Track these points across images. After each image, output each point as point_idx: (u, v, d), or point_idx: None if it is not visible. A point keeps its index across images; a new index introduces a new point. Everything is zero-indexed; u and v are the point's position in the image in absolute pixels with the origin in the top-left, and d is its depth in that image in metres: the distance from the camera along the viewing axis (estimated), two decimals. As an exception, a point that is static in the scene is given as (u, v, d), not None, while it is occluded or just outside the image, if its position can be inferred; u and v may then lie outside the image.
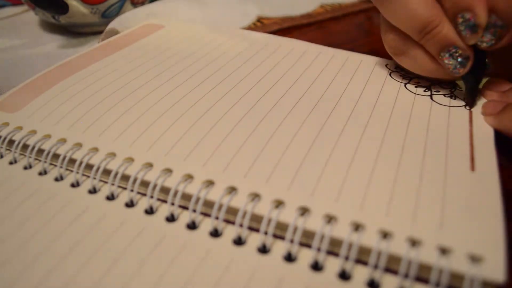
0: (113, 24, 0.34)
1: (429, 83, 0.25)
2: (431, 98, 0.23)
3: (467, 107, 0.23)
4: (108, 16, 0.38)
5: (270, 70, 0.26)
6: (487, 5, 0.20)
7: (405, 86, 0.25)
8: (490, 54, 0.22)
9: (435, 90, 0.24)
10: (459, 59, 0.21)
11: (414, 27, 0.22)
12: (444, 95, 0.24)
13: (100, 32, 0.36)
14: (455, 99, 0.23)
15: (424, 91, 0.24)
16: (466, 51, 0.21)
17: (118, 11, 0.39)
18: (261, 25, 0.38)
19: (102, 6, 0.37)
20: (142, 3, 0.41)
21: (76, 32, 0.40)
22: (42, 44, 0.38)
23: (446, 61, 0.22)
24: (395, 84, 0.25)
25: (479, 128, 0.21)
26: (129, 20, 0.35)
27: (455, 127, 0.21)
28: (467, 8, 0.20)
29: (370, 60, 0.28)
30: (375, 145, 0.19)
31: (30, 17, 0.44)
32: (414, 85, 0.25)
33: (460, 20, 0.20)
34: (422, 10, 0.21)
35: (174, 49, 0.29)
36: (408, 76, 0.26)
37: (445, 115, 0.22)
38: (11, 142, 0.20)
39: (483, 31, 0.20)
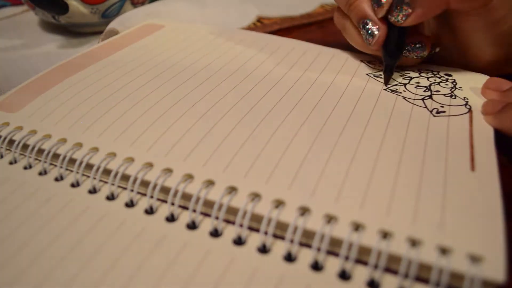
0: (113, 24, 0.34)
1: (429, 83, 0.25)
2: (431, 98, 0.23)
3: (384, 83, 0.25)
4: (108, 16, 0.38)
5: (270, 71, 0.26)
6: None
7: (405, 86, 0.25)
8: (437, 39, 0.26)
9: (435, 90, 0.24)
10: (369, 31, 0.24)
11: (342, 1, 0.25)
12: (444, 95, 0.24)
13: (100, 32, 0.36)
14: (455, 98, 0.23)
15: (424, 91, 0.24)
16: (376, 23, 0.24)
17: (118, 11, 0.39)
18: (261, 25, 0.38)
19: (102, 6, 0.37)
20: (142, 3, 0.41)
21: (76, 32, 0.40)
22: (42, 44, 0.38)
23: (361, 32, 0.25)
24: (396, 85, 0.25)
25: (479, 128, 0.21)
26: (129, 20, 0.35)
27: (455, 127, 0.21)
28: None
29: (370, 60, 0.28)
30: (375, 145, 0.19)
31: (30, 17, 0.44)
32: (414, 86, 0.25)
33: None
34: None
35: (174, 49, 0.29)
36: (408, 76, 0.26)
37: (445, 115, 0.22)
38: (11, 142, 0.20)
39: (390, 6, 0.23)
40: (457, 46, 0.26)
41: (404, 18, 0.23)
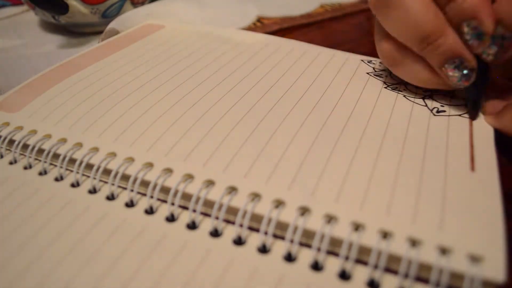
0: (113, 24, 0.34)
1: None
2: (431, 98, 0.23)
3: (470, 118, 0.22)
4: (108, 16, 0.38)
5: (270, 70, 0.26)
6: (494, 16, 0.19)
7: (405, 85, 0.25)
8: (494, 67, 0.22)
9: (435, 89, 0.24)
10: (465, 71, 0.20)
11: (415, 37, 0.20)
12: (444, 94, 0.24)
13: (100, 32, 0.36)
14: (455, 98, 0.23)
15: (424, 90, 0.24)
16: (472, 62, 0.20)
17: (118, 11, 0.39)
18: (261, 25, 0.38)
19: (102, 6, 0.37)
20: (142, 3, 0.41)
21: (76, 32, 0.40)
22: (42, 44, 0.38)
23: (450, 73, 0.20)
24: (396, 83, 0.25)
25: (479, 128, 0.21)
26: (129, 20, 0.35)
27: (455, 127, 0.21)
28: (473, 16, 0.19)
29: (370, 60, 0.28)
30: (375, 144, 0.19)
31: (30, 17, 0.44)
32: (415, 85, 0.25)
33: (466, 29, 0.19)
34: (424, 19, 0.20)
35: (174, 49, 0.29)
36: (408, 76, 0.26)
37: (445, 114, 0.22)
38: (11, 142, 0.20)
39: (488, 42, 0.19)
40: None
41: (503, 53, 0.20)
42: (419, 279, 0.14)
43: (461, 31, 0.20)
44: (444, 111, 0.22)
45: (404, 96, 0.24)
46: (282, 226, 0.16)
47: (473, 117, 0.22)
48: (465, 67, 0.20)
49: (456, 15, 0.19)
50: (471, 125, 0.21)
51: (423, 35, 0.20)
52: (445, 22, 0.20)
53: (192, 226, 0.16)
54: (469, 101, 0.22)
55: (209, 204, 0.17)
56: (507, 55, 0.20)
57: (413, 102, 0.23)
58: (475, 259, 0.14)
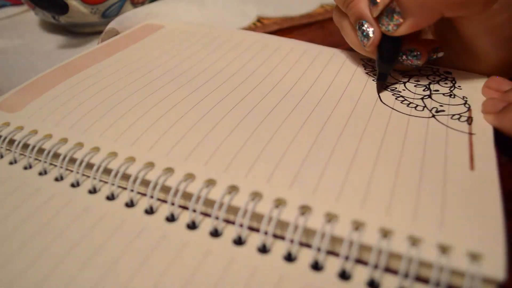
0: (113, 24, 0.34)
1: (428, 82, 0.25)
2: (431, 97, 0.23)
3: (377, 91, 0.24)
4: (108, 16, 0.38)
5: (270, 71, 0.26)
6: None
7: (404, 85, 0.25)
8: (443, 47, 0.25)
9: (434, 89, 0.24)
10: (364, 32, 0.23)
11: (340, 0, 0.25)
12: (444, 94, 0.24)
13: (100, 32, 0.36)
14: (454, 98, 0.23)
15: (424, 90, 0.24)
16: (372, 25, 0.23)
17: (118, 11, 0.39)
18: (261, 25, 0.38)
19: (102, 6, 0.37)
20: (142, 3, 0.41)
21: (76, 32, 0.40)
22: (42, 44, 0.38)
23: (358, 33, 0.24)
24: (395, 84, 0.25)
25: (478, 127, 0.21)
26: (129, 20, 0.35)
27: (455, 127, 0.21)
28: None
29: (370, 59, 0.28)
30: (375, 144, 0.19)
31: (30, 17, 0.44)
32: (414, 84, 0.25)
33: None
34: None
35: (174, 49, 0.29)
36: (407, 75, 0.26)
37: (444, 114, 0.22)
38: (11, 142, 0.20)
39: (381, 14, 0.22)
40: (464, 50, 0.25)
41: (395, 28, 0.22)
42: (419, 279, 0.14)
43: None
44: (443, 111, 0.22)
45: (403, 96, 0.24)
46: (282, 226, 0.16)
47: (378, 89, 0.24)
48: (367, 28, 0.23)
49: None
50: (470, 124, 0.21)
51: None
52: None
53: (192, 226, 0.16)
54: (377, 73, 0.25)
55: (209, 203, 0.17)
56: (399, 30, 0.22)
57: (413, 102, 0.23)
58: (475, 257, 0.14)
